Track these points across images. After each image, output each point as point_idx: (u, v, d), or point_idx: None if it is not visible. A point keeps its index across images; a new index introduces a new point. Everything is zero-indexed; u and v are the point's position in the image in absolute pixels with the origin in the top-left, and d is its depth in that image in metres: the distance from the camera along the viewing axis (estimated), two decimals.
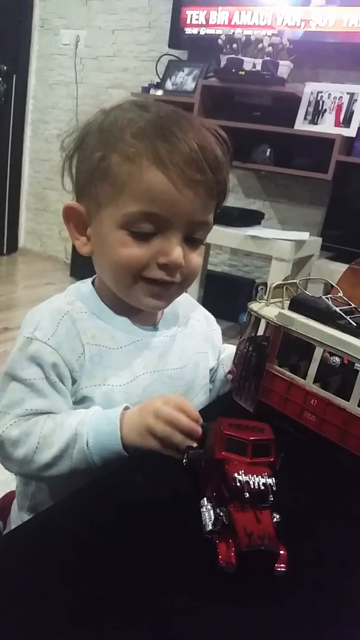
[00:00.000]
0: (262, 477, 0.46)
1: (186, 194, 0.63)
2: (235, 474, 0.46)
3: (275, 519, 0.46)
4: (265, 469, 0.48)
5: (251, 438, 0.49)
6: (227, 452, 0.49)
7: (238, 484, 0.46)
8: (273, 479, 0.47)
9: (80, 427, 0.63)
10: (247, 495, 0.46)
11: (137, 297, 0.70)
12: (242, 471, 0.46)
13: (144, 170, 0.62)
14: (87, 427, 0.63)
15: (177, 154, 0.62)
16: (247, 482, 0.46)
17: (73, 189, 0.72)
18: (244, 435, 0.49)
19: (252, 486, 0.46)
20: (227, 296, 2.99)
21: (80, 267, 3.53)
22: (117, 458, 0.62)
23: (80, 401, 0.70)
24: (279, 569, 0.44)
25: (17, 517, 0.81)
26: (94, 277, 0.77)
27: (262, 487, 0.46)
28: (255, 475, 0.46)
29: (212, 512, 0.47)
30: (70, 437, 0.63)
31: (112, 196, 0.65)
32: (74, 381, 0.69)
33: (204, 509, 0.48)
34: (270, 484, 0.46)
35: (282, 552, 0.44)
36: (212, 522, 0.47)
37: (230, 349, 0.86)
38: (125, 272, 0.67)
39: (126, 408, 0.65)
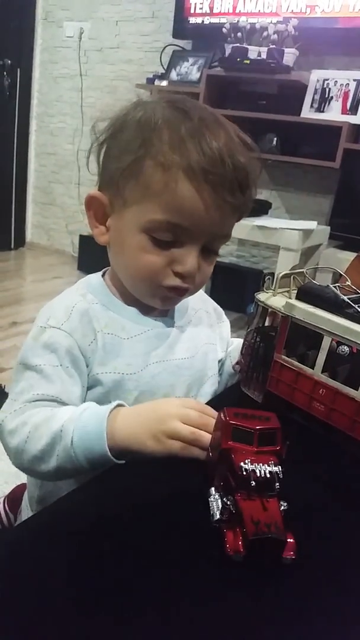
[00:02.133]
0: (269, 465, 0.46)
1: (214, 213, 0.64)
2: (242, 463, 0.46)
3: (282, 507, 0.46)
4: (271, 458, 0.48)
5: (257, 427, 0.49)
6: (234, 441, 0.49)
7: (244, 473, 0.46)
8: (279, 467, 0.47)
9: (67, 423, 0.61)
10: (254, 483, 0.46)
11: (151, 300, 0.72)
12: (249, 460, 0.47)
13: (177, 181, 0.62)
14: (74, 423, 0.61)
15: (212, 172, 0.62)
16: (254, 470, 0.46)
17: (98, 175, 0.72)
18: (250, 424, 0.49)
19: (258, 475, 0.46)
20: (235, 287, 2.98)
21: (88, 260, 3.53)
22: (104, 462, 0.59)
23: (91, 387, 0.70)
24: (286, 557, 0.44)
25: (28, 508, 0.81)
26: (104, 270, 0.78)
27: (269, 476, 0.46)
28: (261, 464, 0.46)
29: (219, 501, 0.47)
30: (56, 433, 0.61)
31: (140, 198, 0.65)
32: (86, 366, 0.70)
33: (212, 499, 0.48)
34: (276, 472, 0.46)
35: (289, 540, 0.44)
36: (219, 511, 0.47)
37: (238, 342, 0.86)
38: (142, 277, 0.69)
39: (119, 405, 0.62)
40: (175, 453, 0.57)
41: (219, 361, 0.86)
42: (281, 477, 0.46)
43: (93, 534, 0.47)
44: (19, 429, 0.63)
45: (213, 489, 0.49)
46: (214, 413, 0.57)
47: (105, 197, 0.70)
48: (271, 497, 0.46)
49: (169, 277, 0.68)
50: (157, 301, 0.72)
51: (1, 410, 0.67)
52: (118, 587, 0.41)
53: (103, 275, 0.77)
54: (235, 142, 0.65)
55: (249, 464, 0.46)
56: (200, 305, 0.84)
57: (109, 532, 0.47)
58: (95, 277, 0.77)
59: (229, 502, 0.46)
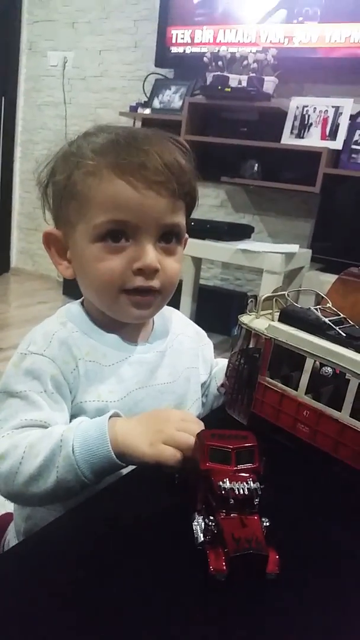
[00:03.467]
0: (247, 482, 0.47)
1: (149, 196, 0.65)
2: (220, 482, 0.47)
3: (265, 524, 0.46)
4: (250, 475, 0.48)
5: (233, 446, 0.49)
6: (212, 462, 0.49)
7: (223, 492, 0.46)
8: (258, 483, 0.47)
9: (67, 432, 0.60)
10: (232, 501, 0.46)
11: (121, 310, 0.70)
12: (227, 479, 0.47)
13: (106, 180, 0.65)
14: (73, 432, 0.60)
15: (136, 161, 0.64)
16: (232, 489, 0.46)
17: (52, 217, 0.74)
18: (226, 444, 0.50)
19: (237, 492, 0.46)
20: (219, 310, 3.00)
21: (73, 285, 3.47)
22: (107, 467, 0.59)
23: (75, 415, 0.69)
24: (270, 572, 0.44)
25: (14, 539, 0.80)
26: (82, 298, 0.78)
27: (247, 493, 0.46)
28: (240, 482, 0.47)
29: (202, 524, 0.47)
30: (55, 444, 0.59)
31: (81, 212, 0.67)
32: (70, 392, 0.69)
33: (195, 523, 0.48)
34: (255, 488, 0.47)
35: (273, 555, 0.44)
36: (202, 533, 0.47)
37: (223, 363, 0.87)
38: (106, 286, 0.68)
39: (115, 415, 0.62)
40: (165, 460, 0.56)
41: (203, 384, 0.86)
42: (260, 493, 0.47)
43: (79, 560, 0.47)
44: (10, 453, 0.61)
45: (196, 513, 0.49)
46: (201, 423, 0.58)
47: (59, 232, 0.72)
48: (252, 513, 0.46)
49: (131, 278, 0.67)
50: (129, 310, 0.70)
51: None
52: (105, 612, 0.41)
53: (82, 303, 0.78)
54: (158, 139, 0.68)
55: (227, 482, 0.47)
56: (180, 329, 0.84)
57: (94, 559, 0.47)
58: (75, 306, 0.77)
59: (211, 523, 0.46)
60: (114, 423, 0.60)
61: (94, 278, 0.69)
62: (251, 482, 0.47)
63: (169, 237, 0.70)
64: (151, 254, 0.67)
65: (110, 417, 0.61)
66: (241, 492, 0.46)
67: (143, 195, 0.65)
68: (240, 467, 0.49)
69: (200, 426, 0.59)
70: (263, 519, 0.47)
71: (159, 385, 0.75)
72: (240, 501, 0.46)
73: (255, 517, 0.46)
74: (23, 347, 0.70)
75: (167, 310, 0.82)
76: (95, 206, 0.66)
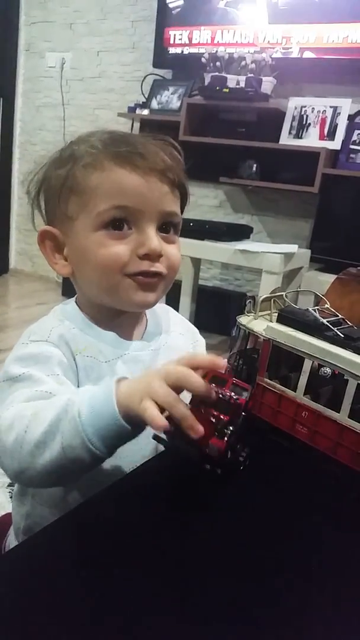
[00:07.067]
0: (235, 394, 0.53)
1: (151, 181, 0.67)
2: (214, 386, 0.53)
3: (228, 431, 0.52)
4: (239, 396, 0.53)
5: (232, 379, 0.55)
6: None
7: (221, 395, 0.53)
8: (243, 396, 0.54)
9: (73, 396, 0.57)
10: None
11: (126, 295, 0.70)
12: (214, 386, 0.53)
13: (107, 170, 0.67)
14: (79, 395, 0.57)
15: (135, 152, 0.67)
16: (217, 391, 0.53)
17: (44, 222, 0.75)
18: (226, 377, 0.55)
19: (222, 395, 0.52)
20: (219, 310, 3.00)
21: (72, 285, 3.49)
22: (114, 431, 0.54)
23: None
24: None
25: (14, 539, 0.80)
26: (75, 297, 0.78)
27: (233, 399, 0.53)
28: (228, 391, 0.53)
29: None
30: (61, 409, 0.56)
31: (82, 205, 0.68)
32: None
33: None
34: (236, 398, 0.53)
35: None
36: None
37: None
38: (109, 272, 0.68)
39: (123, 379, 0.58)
40: (147, 420, 0.50)
41: None
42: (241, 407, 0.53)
43: (80, 561, 0.47)
44: (15, 422, 0.58)
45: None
46: (204, 360, 0.56)
47: (55, 229, 0.72)
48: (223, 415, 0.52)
49: (136, 262, 0.68)
50: (132, 295, 0.69)
51: None
52: (105, 613, 0.41)
53: (76, 302, 0.77)
54: (147, 139, 0.71)
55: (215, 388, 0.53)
56: (174, 327, 0.84)
57: (95, 559, 0.47)
58: (70, 305, 0.77)
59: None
60: (120, 383, 0.56)
61: (96, 265, 0.68)
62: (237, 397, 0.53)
63: (167, 228, 0.71)
64: (155, 238, 0.68)
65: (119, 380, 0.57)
66: (226, 397, 0.53)
67: (145, 180, 0.66)
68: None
69: (190, 375, 0.54)
70: (229, 427, 0.52)
71: None
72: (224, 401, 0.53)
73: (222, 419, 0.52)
74: (22, 340, 0.69)
75: (160, 308, 0.82)
76: (98, 195, 0.67)
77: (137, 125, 3.34)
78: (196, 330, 0.90)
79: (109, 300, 0.72)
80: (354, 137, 2.76)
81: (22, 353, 0.67)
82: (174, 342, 0.82)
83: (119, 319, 0.74)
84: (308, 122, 2.88)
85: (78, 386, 0.68)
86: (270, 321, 0.71)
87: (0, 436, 0.59)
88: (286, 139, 2.92)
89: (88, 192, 0.67)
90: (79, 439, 0.54)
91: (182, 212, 0.74)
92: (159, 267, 0.69)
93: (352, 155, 2.76)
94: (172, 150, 0.72)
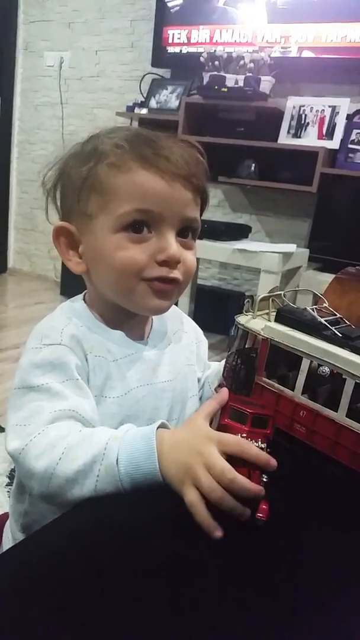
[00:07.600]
0: (256, 442, 0.53)
1: (175, 187, 0.66)
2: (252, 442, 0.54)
3: (264, 479, 0.52)
4: (260, 437, 0.54)
5: (251, 411, 0.56)
6: (230, 420, 0.56)
7: None
8: (265, 445, 0.54)
9: (112, 441, 0.57)
10: None
11: (142, 300, 0.70)
12: (240, 435, 0.54)
13: (132, 172, 0.65)
14: (119, 441, 0.57)
15: (161, 154, 0.66)
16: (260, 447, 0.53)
17: (59, 217, 0.74)
18: (246, 408, 0.57)
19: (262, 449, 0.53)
20: (217, 310, 2.99)
21: (70, 285, 3.52)
22: (150, 483, 0.55)
23: None
24: (258, 518, 0.49)
25: (11, 538, 0.80)
26: (83, 293, 0.78)
27: None
28: (250, 440, 0.54)
29: None
30: (98, 451, 0.56)
31: (103, 204, 0.67)
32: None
33: None
34: (262, 447, 0.53)
35: (264, 503, 0.50)
36: None
37: (214, 366, 0.88)
38: (126, 275, 0.68)
39: (162, 426, 0.59)
40: (191, 502, 0.51)
41: (198, 380, 0.86)
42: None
43: (79, 561, 0.47)
44: (47, 452, 0.58)
45: None
46: (253, 452, 0.53)
47: (72, 226, 0.71)
48: (256, 469, 0.52)
49: (154, 268, 0.67)
50: (148, 300, 0.69)
51: (14, 438, 0.62)
52: (105, 613, 0.41)
53: (84, 300, 0.77)
54: (174, 139, 0.70)
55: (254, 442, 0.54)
56: (178, 326, 0.84)
57: (95, 559, 0.47)
58: (78, 302, 0.77)
59: None
60: (162, 437, 0.57)
61: (113, 267, 0.68)
62: (260, 443, 0.53)
63: (186, 232, 0.71)
64: (175, 246, 0.67)
65: (158, 427, 0.58)
66: None
67: (170, 185, 0.66)
68: (253, 429, 0.55)
69: (239, 450, 0.53)
70: (263, 475, 0.52)
71: (160, 383, 0.76)
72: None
73: (257, 473, 0.52)
74: (35, 343, 0.68)
75: None
76: (120, 196, 0.66)
77: (135, 124, 3.33)
78: (200, 331, 0.91)
79: (123, 302, 0.72)
80: (353, 137, 2.76)
81: (37, 359, 0.66)
82: (179, 341, 0.82)
83: (128, 320, 0.74)
84: (307, 121, 2.88)
85: (88, 384, 0.68)
86: (269, 320, 0.70)
87: (29, 461, 0.60)
88: (285, 139, 2.92)
89: (110, 192, 0.66)
90: (113, 486, 0.56)
91: (201, 216, 0.74)
92: (177, 273, 0.69)
93: (350, 155, 2.76)
94: (196, 153, 0.71)
